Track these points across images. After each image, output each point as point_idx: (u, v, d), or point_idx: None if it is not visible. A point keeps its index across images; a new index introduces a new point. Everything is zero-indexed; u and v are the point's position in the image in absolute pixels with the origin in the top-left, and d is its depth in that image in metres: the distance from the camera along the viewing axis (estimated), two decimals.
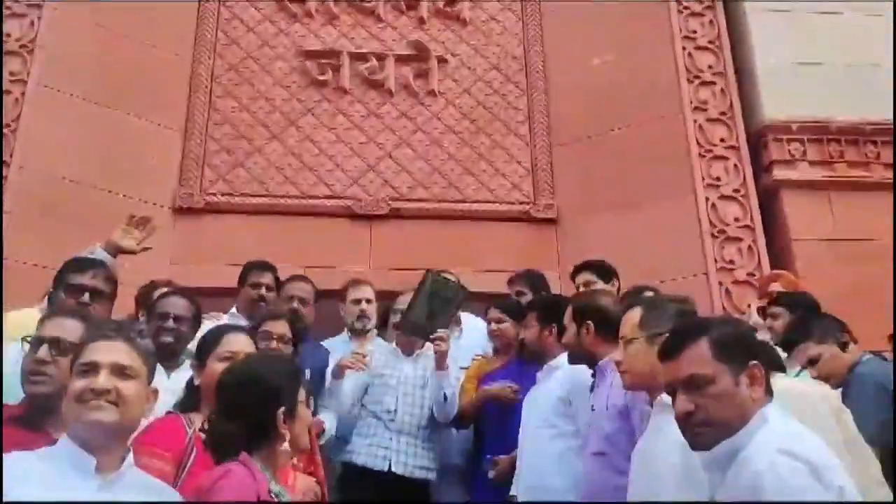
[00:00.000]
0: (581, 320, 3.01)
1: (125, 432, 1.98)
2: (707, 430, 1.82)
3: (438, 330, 3.75)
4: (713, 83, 5.96)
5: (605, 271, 4.21)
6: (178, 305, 3.50)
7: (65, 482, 1.84)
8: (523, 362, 3.72)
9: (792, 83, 5.90)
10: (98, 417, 1.89)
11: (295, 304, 4.04)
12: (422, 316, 3.78)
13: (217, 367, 2.42)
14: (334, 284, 5.19)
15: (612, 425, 2.74)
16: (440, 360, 3.78)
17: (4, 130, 5.33)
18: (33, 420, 2.24)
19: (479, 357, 4.25)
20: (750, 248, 5.46)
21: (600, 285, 4.15)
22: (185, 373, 3.16)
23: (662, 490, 2.17)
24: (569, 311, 3.08)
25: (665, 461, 2.18)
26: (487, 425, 3.82)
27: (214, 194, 5.87)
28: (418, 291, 3.81)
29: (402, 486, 3.68)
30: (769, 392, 1.92)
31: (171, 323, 3.33)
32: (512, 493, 3.50)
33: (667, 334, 2.14)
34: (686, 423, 1.85)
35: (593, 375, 3.01)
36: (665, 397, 2.29)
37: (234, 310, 4.19)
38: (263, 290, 4.12)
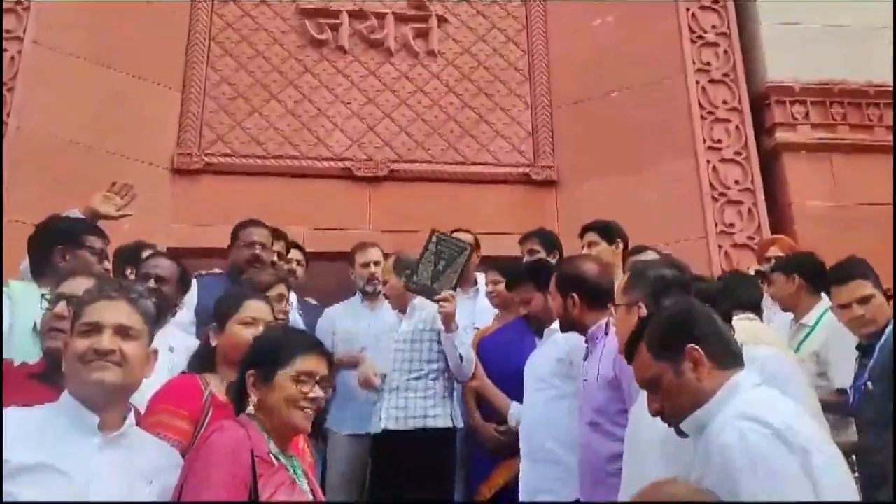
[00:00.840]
0: (566, 291, 2.99)
1: (127, 392, 1.99)
2: (676, 419, 1.93)
3: (443, 291, 3.74)
4: (716, 44, 5.90)
5: (609, 232, 4.20)
6: (162, 267, 3.51)
7: (67, 438, 1.86)
8: (522, 324, 3.72)
9: (796, 45, 5.84)
10: (102, 377, 1.89)
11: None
12: (426, 276, 3.77)
13: (237, 330, 2.47)
14: (333, 246, 5.23)
15: (603, 395, 2.76)
16: (447, 322, 3.76)
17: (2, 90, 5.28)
18: (52, 376, 2.24)
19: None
20: (750, 211, 5.45)
21: (604, 246, 4.15)
22: (169, 333, 3.22)
23: (650, 453, 2.20)
24: (553, 282, 3.06)
25: (652, 427, 2.19)
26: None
27: (213, 155, 5.83)
28: (423, 252, 3.81)
29: (427, 441, 3.66)
30: (736, 360, 1.94)
31: (152, 283, 3.33)
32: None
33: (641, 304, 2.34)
34: (661, 417, 1.98)
35: (586, 342, 3.02)
36: None
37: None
38: (258, 249, 4.08)
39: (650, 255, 3.81)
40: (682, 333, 1.94)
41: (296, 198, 5.72)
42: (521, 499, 3.31)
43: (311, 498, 2.02)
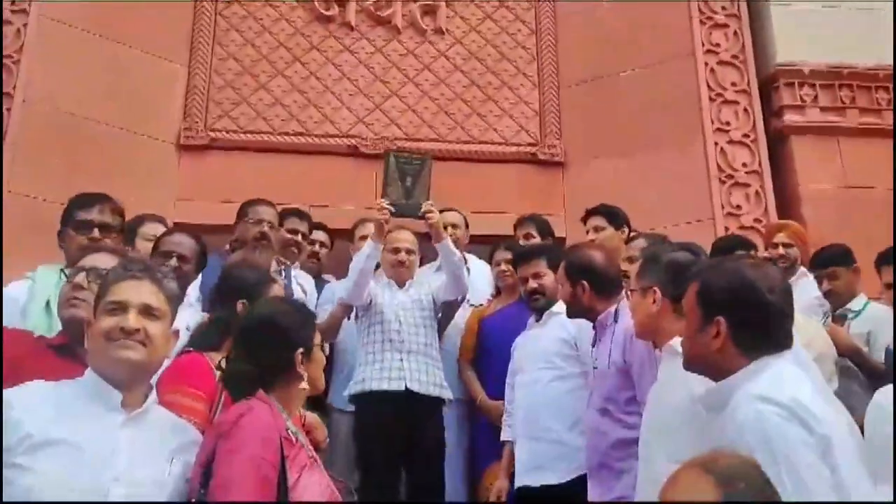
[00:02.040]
0: (576, 278, 2.98)
1: (150, 371, 2.02)
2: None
3: (423, 205, 3.77)
4: (726, 25, 5.85)
5: (616, 217, 4.20)
6: (182, 244, 3.50)
7: (90, 414, 1.87)
8: (523, 305, 3.73)
9: (806, 26, 5.79)
10: (127, 356, 1.91)
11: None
12: (401, 195, 3.78)
13: None
14: (339, 223, 5.21)
15: (613, 382, 2.77)
16: (437, 233, 3.82)
17: (7, 62, 5.25)
18: (71, 348, 2.26)
19: (478, 306, 4.28)
20: (757, 193, 5.43)
21: (610, 231, 4.15)
22: (187, 312, 3.22)
23: (669, 429, 2.19)
24: (561, 269, 3.05)
25: (672, 404, 2.20)
26: (488, 366, 3.85)
27: (219, 130, 5.81)
28: (386, 175, 3.82)
29: (419, 405, 3.66)
30: (771, 349, 1.87)
31: (174, 261, 3.32)
32: (504, 437, 3.56)
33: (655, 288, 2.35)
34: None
35: (594, 328, 3.02)
36: (674, 343, 2.32)
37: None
38: (266, 227, 4.07)
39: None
40: (721, 302, 1.90)
41: (301, 175, 5.71)
42: (518, 478, 3.31)
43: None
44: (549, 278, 3.50)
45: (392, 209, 3.75)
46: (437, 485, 3.65)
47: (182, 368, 2.35)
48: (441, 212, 3.98)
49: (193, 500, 1.89)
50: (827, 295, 3.85)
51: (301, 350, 2.09)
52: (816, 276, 3.85)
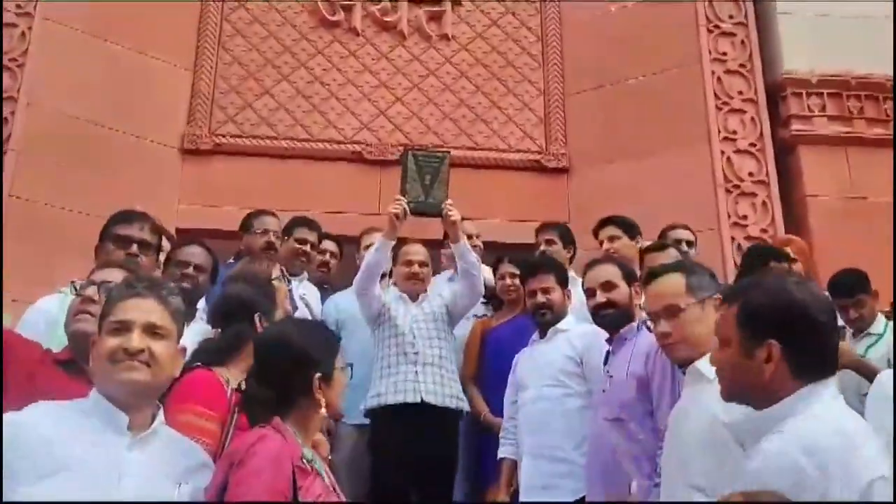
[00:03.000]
0: (631, 281, 2.97)
1: (156, 391, 1.96)
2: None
3: (440, 202, 3.69)
4: (733, 34, 5.82)
5: (631, 227, 4.17)
6: (197, 255, 3.47)
7: (96, 437, 1.82)
8: (528, 320, 3.68)
9: (814, 35, 5.75)
10: (131, 377, 1.85)
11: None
12: (421, 194, 3.71)
13: None
14: (343, 230, 5.19)
15: (630, 394, 2.73)
16: (454, 232, 3.73)
17: (11, 65, 5.23)
18: (77, 365, 2.23)
19: (479, 318, 4.24)
20: (764, 203, 5.39)
21: (625, 241, 4.11)
22: (199, 325, 3.19)
23: (690, 456, 2.15)
24: (617, 272, 3.03)
25: (694, 430, 2.16)
26: (491, 380, 3.81)
27: (223, 135, 5.80)
28: (404, 174, 3.74)
29: (435, 417, 3.61)
30: (823, 372, 1.74)
31: (191, 271, 3.30)
32: (502, 455, 3.52)
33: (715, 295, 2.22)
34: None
35: (609, 342, 2.98)
36: (699, 365, 2.28)
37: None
38: (272, 237, 4.07)
39: (672, 254, 3.73)
40: (773, 323, 1.73)
41: (305, 180, 5.70)
42: (524, 496, 3.26)
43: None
44: (557, 294, 3.46)
45: (410, 206, 3.67)
46: (448, 495, 3.62)
47: (192, 386, 2.25)
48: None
49: None
50: (854, 321, 3.81)
51: (319, 375, 2.00)
52: (841, 306, 3.79)
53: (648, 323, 2.69)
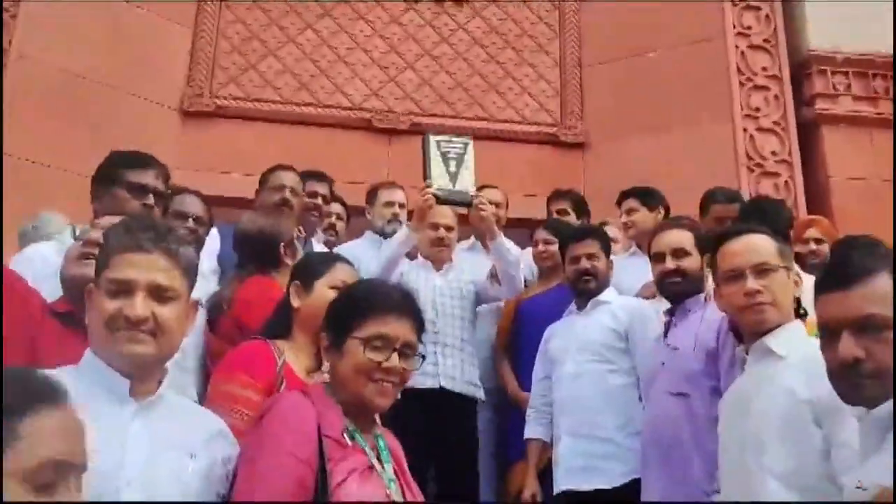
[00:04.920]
0: (704, 252, 2.74)
1: (164, 360, 1.67)
2: (875, 382, 1.47)
3: (470, 191, 3.48)
4: (758, 8, 5.63)
5: (651, 197, 4.01)
6: (196, 205, 3.25)
7: (94, 407, 1.46)
8: (566, 290, 3.47)
9: (840, 12, 5.57)
10: (133, 350, 1.56)
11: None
12: (448, 182, 3.47)
13: (327, 293, 2.16)
14: (349, 199, 4.95)
15: (698, 366, 2.52)
16: (490, 229, 3.50)
17: (3, 16, 4.92)
18: (74, 316, 1.97)
19: None
20: (787, 183, 5.23)
21: (644, 213, 3.98)
22: (200, 284, 2.95)
23: (765, 439, 1.95)
24: (690, 238, 2.81)
25: (771, 412, 1.96)
26: (524, 354, 3.59)
27: (224, 97, 5.52)
28: (427, 158, 3.49)
29: (452, 403, 3.38)
30: None
31: (191, 223, 3.07)
32: (530, 434, 3.30)
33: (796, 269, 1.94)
34: (848, 370, 1.49)
35: (670, 313, 2.78)
36: (768, 341, 2.09)
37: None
38: (287, 193, 3.76)
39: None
40: None
41: (310, 147, 5.42)
42: (561, 480, 3.02)
43: (392, 488, 1.67)
44: (602, 262, 3.24)
45: (438, 194, 3.43)
46: (472, 485, 3.42)
47: (239, 357, 2.09)
48: (480, 188, 3.71)
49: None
50: None
51: (323, 335, 1.78)
52: None
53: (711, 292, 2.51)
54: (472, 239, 4.29)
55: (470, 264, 3.91)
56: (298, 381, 1.99)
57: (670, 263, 2.76)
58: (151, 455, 1.55)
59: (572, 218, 4.23)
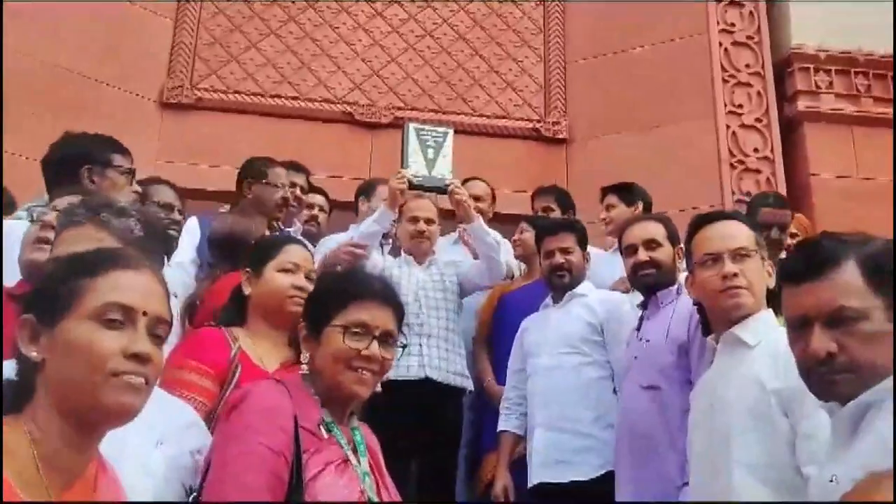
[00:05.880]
0: (675, 243, 2.78)
1: None
2: (849, 377, 1.42)
3: (445, 178, 3.49)
4: (742, 4, 5.62)
5: (628, 193, 4.01)
6: (174, 196, 3.23)
7: None
8: (544, 284, 3.45)
9: (823, 10, 5.58)
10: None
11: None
12: (423, 169, 3.49)
13: (275, 277, 2.16)
14: (331, 193, 4.92)
15: (670, 358, 2.53)
16: (466, 212, 3.52)
17: None
18: None
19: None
20: (768, 180, 5.22)
21: (622, 208, 3.97)
22: (170, 275, 2.92)
23: (733, 429, 1.94)
24: (662, 230, 2.82)
25: (740, 402, 1.95)
26: (503, 347, 3.56)
27: (205, 89, 5.47)
28: (405, 146, 3.52)
29: (438, 394, 3.36)
30: None
31: (176, 215, 3.04)
32: (503, 427, 3.28)
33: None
34: (821, 365, 1.44)
35: (643, 306, 2.77)
36: (738, 331, 2.09)
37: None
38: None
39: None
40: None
41: (292, 140, 5.38)
42: (535, 473, 3.00)
43: (366, 482, 1.64)
44: (577, 255, 3.23)
45: (413, 180, 3.45)
46: (450, 479, 3.41)
47: (192, 343, 2.08)
48: (465, 182, 3.69)
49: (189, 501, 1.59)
50: None
51: (302, 324, 1.75)
52: None
53: (683, 283, 2.51)
54: (457, 233, 4.28)
55: (453, 257, 3.90)
56: (255, 369, 1.96)
57: (643, 255, 2.76)
58: (115, 441, 1.45)
59: (557, 214, 4.21)
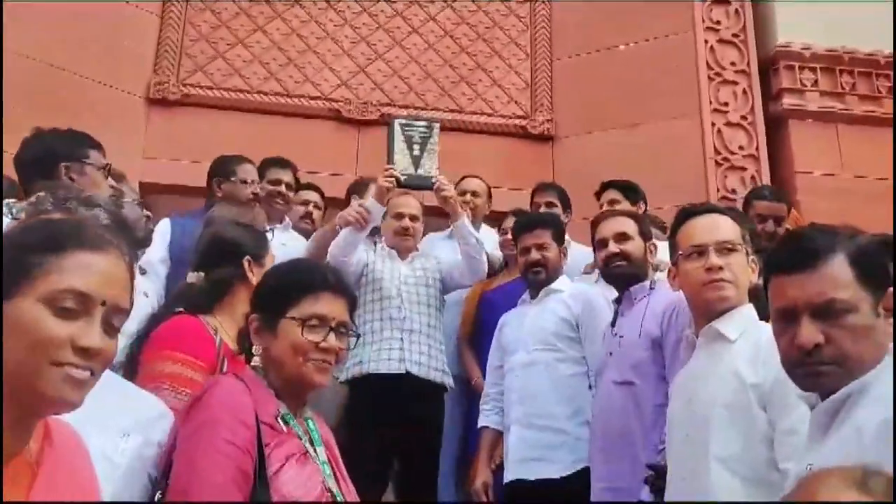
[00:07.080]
0: (648, 238, 2.80)
1: None
2: (835, 369, 1.42)
3: (432, 174, 3.48)
4: (727, 2, 5.64)
5: (633, 192, 4.01)
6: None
7: None
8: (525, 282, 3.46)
9: (808, 8, 5.60)
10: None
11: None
12: (410, 166, 3.48)
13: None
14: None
15: (643, 354, 2.54)
16: (453, 209, 3.52)
17: None
18: None
19: None
20: (753, 178, 5.25)
21: (626, 205, 3.95)
22: (148, 277, 2.95)
23: (711, 423, 1.95)
24: (633, 225, 2.84)
25: (719, 396, 1.97)
26: (486, 344, 3.57)
27: (192, 86, 5.46)
28: (391, 143, 3.51)
29: (419, 389, 3.36)
30: None
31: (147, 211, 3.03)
32: (483, 424, 3.29)
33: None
34: (807, 357, 1.44)
35: (617, 301, 2.78)
36: (718, 325, 2.10)
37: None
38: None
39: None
40: (887, 267, 1.47)
41: (279, 137, 5.36)
42: (510, 470, 3.01)
43: (326, 471, 1.67)
44: (553, 251, 3.24)
45: (400, 177, 3.44)
46: (431, 476, 3.40)
47: (175, 332, 2.00)
48: (462, 179, 3.68)
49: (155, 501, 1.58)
50: None
51: (254, 316, 1.76)
52: None
53: (658, 278, 2.53)
54: (450, 228, 4.28)
55: (446, 252, 3.91)
56: (237, 361, 1.93)
57: (613, 247, 2.78)
58: (85, 437, 1.44)
59: (559, 211, 4.17)
